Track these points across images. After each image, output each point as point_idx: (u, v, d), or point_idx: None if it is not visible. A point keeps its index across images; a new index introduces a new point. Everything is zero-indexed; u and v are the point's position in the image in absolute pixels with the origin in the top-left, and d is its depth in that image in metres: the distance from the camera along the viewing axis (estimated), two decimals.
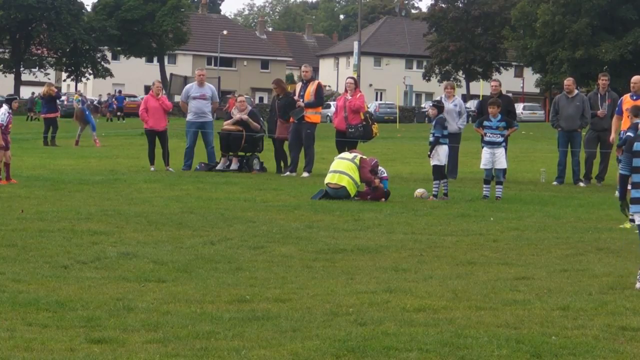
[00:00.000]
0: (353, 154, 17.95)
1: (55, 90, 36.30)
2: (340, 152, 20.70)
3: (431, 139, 18.19)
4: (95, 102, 77.32)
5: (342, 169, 17.53)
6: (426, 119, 76.09)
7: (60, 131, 35.36)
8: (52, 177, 20.43)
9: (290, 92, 23.79)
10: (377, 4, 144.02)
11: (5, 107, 19.58)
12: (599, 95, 22.17)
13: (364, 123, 21.51)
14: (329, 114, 65.48)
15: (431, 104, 19.02)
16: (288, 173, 22.30)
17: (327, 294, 9.04)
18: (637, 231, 9.82)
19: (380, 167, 18.06)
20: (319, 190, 17.82)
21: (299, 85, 23.10)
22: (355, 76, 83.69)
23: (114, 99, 75.37)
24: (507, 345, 7.13)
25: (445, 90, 23.01)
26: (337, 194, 17.38)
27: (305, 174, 22.00)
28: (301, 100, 22.29)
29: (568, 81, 22.55)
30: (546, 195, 19.21)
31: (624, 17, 75.40)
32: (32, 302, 8.34)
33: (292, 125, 22.46)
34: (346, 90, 22.13)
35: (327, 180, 17.63)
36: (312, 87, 22.45)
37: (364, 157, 17.84)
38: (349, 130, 21.47)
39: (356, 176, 17.47)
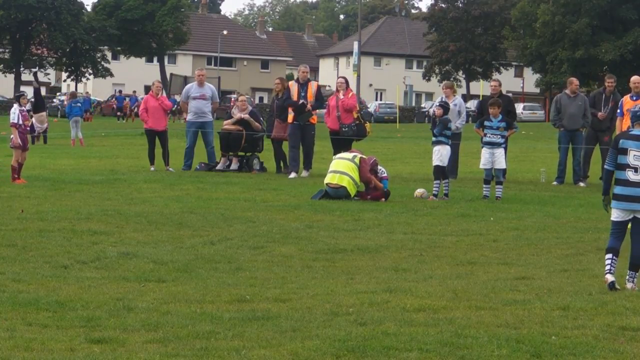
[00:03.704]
0: (352, 154, 17.95)
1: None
2: (336, 150, 20.69)
3: (434, 139, 18.26)
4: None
5: (342, 169, 17.53)
6: (426, 119, 76.13)
7: (61, 131, 35.33)
8: (52, 177, 20.43)
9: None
10: (377, 4, 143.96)
11: (15, 105, 19.62)
12: (603, 96, 22.07)
13: (357, 122, 21.63)
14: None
15: (437, 104, 18.97)
16: (294, 174, 22.01)
17: (327, 294, 9.05)
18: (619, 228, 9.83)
19: (380, 167, 18.06)
20: (318, 191, 17.81)
21: (295, 86, 22.40)
22: (355, 76, 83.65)
23: (117, 99, 75.15)
24: (507, 345, 7.13)
25: (443, 90, 22.85)
26: (337, 193, 17.38)
27: (305, 173, 21.96)
28: (303, 100, 22.12)
29: (576, 81, 22.53)
30: (546, 195, 19.21)
31: (624, 17, 75.34)
32: (32, 302, 8.34)
33: (291, 125, 22.24)
34: (338, 90, 22.14)
35: (327, 180, 17.63)
36: (313, 89, 22.31)
37: (364, 156, 17.85)
38: (343, 129, 21.53)
39: (356, 176, 17.47)
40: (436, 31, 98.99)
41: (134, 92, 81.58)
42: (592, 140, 22.03)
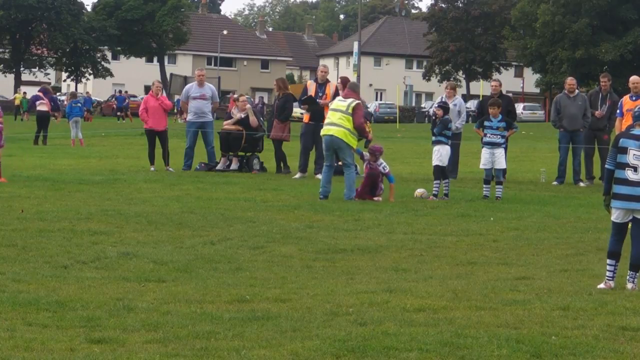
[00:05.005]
0: (348, 101, 17.60)
1: None
2: None
3: (434, 138, 18.25)
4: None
5: (336, 121, 17.45)
6: (426, 119, 76.13)
7: (61, 131, 35.34)
8: (52, 177, 20.43)
9: (290, 92, 23.57)
10: (377, 4, 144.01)
11: None
12: (600, 95, 22.12)
13: None
14: None
15: (437, 105, 18.96)
16: (300, 174, 21.84)
17: (327, 294, 9.04)
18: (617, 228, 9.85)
19: (382, 162, 17.90)
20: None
21: (313, 85, 22.32)
22: (355, 76, 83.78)
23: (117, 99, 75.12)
24: (507, 345, 7.13)
25: (445, 90, 22.87)
26: (332, 141, 17.41)
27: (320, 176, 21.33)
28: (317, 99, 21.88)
29: (571, 80, 22.52)
30: (546, 195, 19.21)
31: (624, 17, 75.40)
32: (32, 302, 8.34)
33: (307, 126, 22.00)
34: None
35: (322, 132, 17.74)
36: (331, 89, 22.09)
37: (359, 102, 17.61)
38: None
39: (350, 126, 17.36)
40: (436, 31, 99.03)
41: (126, 92, 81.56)
42: (590, 140, 22.06)
